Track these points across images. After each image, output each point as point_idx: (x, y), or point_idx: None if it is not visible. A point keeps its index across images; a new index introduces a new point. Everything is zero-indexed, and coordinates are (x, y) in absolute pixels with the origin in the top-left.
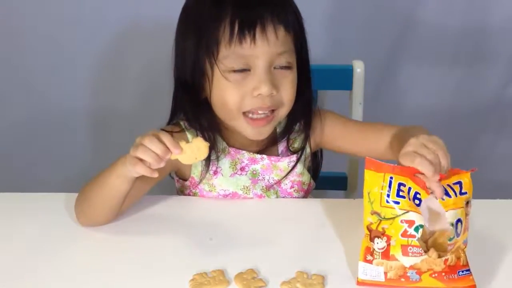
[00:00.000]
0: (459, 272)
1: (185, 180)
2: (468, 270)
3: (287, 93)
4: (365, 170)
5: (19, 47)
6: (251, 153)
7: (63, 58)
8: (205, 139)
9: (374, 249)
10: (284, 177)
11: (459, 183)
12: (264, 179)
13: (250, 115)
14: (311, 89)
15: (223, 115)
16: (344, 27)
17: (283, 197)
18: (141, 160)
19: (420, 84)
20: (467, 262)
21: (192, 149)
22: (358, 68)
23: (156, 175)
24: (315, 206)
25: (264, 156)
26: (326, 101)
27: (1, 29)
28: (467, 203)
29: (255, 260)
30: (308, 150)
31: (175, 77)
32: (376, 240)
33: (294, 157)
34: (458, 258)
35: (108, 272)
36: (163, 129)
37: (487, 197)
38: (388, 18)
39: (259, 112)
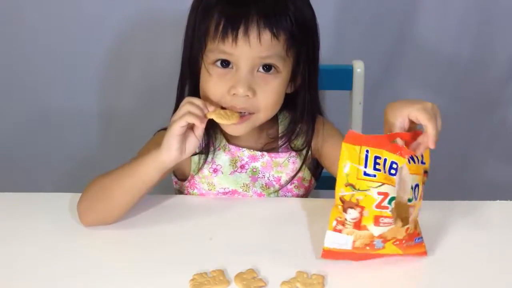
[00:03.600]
0: (415, 239)
1: (184, 180)
2: (421, 237)
3: (265, 98)
4: (343, 143)
5: (20, 48)
6: (252, 150)
7: (63, 58)
8: (207, 134)
9: (346, 219)
10: (293, 177)
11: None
12: (264, 177)
13: None
14: (315, 92)
15: None
16: (344, 27)
17: (284, 195)
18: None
19: (420, 84)
20: (420, 230)
21: (226, 112)
22: (358, 68)
23: (204, 123)
24: (315, 205)
25: (265, 153)
26: (326, 101)
27: (2, 29)
28: (425, 172)
29: (255, 260)
30: (309, 152)
31: (181, 66)
32: (349, 210)
33: (293, 152)
34: (415, 227)
35: (108, 272)
36: (164, 129)
37: (487, 198)
38: (388, 19)
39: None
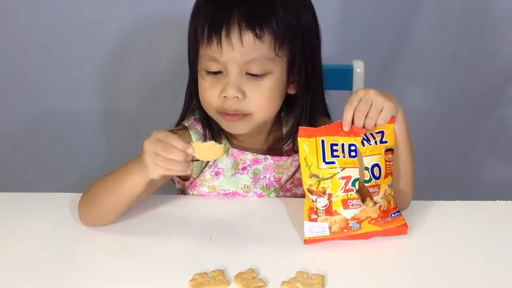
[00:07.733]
0: (391, 214)
1: (186, 179)
2: (398, 211)
3: (257, 99)
4: (298, 139)
5: (21, 49)
6: (255, 154)
7: (65, 60)
8: (212, 137)
9: (317, 208)
10: (292, 176)
11: (381, 132)
12: (265, 178)
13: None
14: (317, 93)
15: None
16: (344, 27)
17: (283, 195)
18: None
19: (420, 84)
20: (396, 204)
21: (209, 147)
22: (358, 68)
23: (189, 171)
24: None
25: (268, 156)
26: (326, 101)
27: (2, 32)
28: (388, 150)
29: (255, 260)
30: None
31: (189, 74)
32: (318, 199)
33: (297, 157)
34: (389, 202)
35: (108, 272)
36: (170, 130)
37: (487, 198)
38: (388, 19)
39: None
